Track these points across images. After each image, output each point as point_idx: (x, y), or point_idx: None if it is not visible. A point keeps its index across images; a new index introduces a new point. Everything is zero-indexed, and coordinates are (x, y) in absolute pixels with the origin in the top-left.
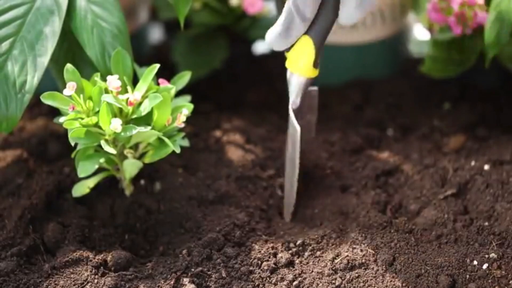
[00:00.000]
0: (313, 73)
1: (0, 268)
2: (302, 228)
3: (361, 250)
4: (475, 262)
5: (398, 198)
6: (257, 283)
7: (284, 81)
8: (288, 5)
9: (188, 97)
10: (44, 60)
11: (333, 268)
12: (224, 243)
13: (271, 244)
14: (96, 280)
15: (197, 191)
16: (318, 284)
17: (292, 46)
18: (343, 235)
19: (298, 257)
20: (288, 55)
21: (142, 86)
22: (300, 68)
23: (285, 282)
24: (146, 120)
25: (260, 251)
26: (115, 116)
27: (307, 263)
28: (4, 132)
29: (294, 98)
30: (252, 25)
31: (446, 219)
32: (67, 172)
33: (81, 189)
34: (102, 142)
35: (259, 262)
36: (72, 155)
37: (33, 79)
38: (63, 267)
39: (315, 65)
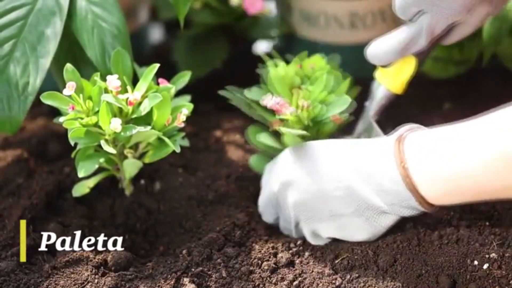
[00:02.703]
0: (403, 91)
1: (0, 268)
2: None
3: (362, 251)
4: (476, 262)
5: None
6: (257, 283)
7: None
8: (420, 25)
9: (188, 97)
10: (46, 62)
11: (334, 268)
12: (224, 243)
13: (272, 244)
14: (96, 280)
15: (197, 191)
16: (318, 284)
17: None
18: None
19: (298, 257)
20: (385, 70)
21: (142, 86)
22: (396, 85)
23: (285, 282)
24: (146, 120)
25: (260, 251)
26: (115, 115)
27: (308, 263)
28: (7, 133)
29: (377, 110)
30: (252, 25)
31: (452, 216)
32: (67, 172)
33: (81, 189)
34: (102, 142)
35: (260, 262)
36: (72, 155)
37: (35, 81)
38: (63, 267)
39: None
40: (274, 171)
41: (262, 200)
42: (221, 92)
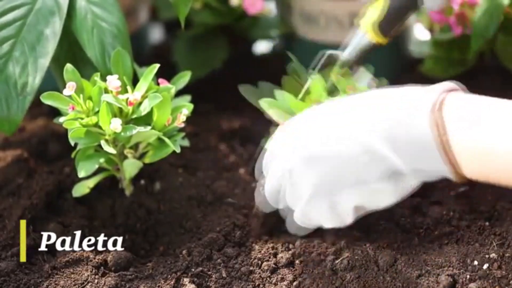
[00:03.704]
0: (374, 35)
1: (0, 268)
2: None
3: (362, 251)
4: (476, 262)
5: None
6: (257, 283)
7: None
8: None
9: (188, 97)
10: (45, 61)
11: (334, 269)
12: (224, 243)
13: (271, 244)
14: (96, 280)
15: (197, 191)
16: (318, 285)
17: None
18: (344, 235)
19: (298, 258)
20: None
21: (142, 86)
22: (365, 22)
23: (285, 282)
24: (146, 120)
25: (260, 251)
26: (115, 116)
27: (307, 263)
28: (6, 133)
29: (349, 50)
30: (252, 25)
31: (452, 216)
32: (67, 172)
33: (81, 189)
34: (102, 142)
35: (260, 262)
36: (72, 155)
37: (34, 81)
38: (63, 267)
39: (381, 28)
40: (286, 145)
41: (271, 185)
42: (241, 89)
